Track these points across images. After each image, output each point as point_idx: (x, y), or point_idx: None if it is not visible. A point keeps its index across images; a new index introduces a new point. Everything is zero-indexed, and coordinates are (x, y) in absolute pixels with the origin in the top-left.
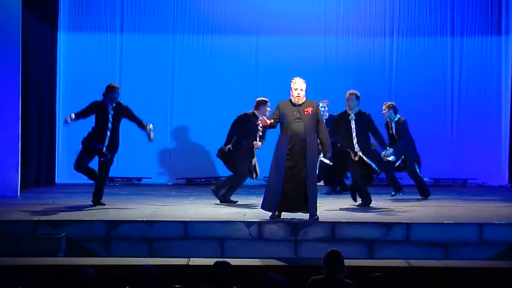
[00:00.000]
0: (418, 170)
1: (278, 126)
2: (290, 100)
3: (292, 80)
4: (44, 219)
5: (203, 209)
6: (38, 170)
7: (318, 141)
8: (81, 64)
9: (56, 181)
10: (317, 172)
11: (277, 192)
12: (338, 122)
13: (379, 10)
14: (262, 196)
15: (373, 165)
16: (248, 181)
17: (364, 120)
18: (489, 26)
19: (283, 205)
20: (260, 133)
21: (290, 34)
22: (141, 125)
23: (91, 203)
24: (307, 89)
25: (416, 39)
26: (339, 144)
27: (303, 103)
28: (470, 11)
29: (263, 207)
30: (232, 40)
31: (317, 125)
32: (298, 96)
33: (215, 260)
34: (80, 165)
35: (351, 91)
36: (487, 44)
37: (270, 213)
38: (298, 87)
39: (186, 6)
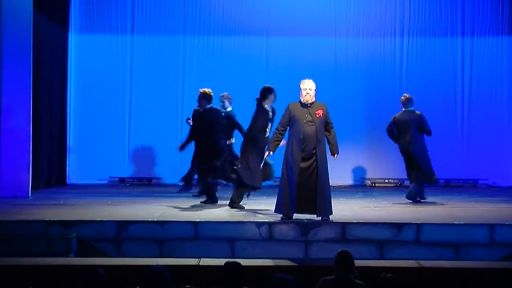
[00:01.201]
0: None
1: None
2: (300, 101)
3: (301, 81)
4: (55, 219)
5: (214, 209)
6: (49, 170)
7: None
8: (92, 65)
9: (67, 182)
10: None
11: (292, 196)
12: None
13: (389, 11)
14: (276, 199)
15: None
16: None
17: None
18: (500, 26)
19: (298, 208)
20: None
21: (300, 35)
22: None
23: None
24: (318, 90)
25: (426, 39)
26: None
27: (312, 103)
28: (480, 12)
29: (278, 210)
30: (242, 41)
31: (327, 127)
32: (307, 95)
33: (226, 260)
34: None
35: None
36: (498, 44)
37: (281, 214)
38: (307, 87)
39: (196, 8)
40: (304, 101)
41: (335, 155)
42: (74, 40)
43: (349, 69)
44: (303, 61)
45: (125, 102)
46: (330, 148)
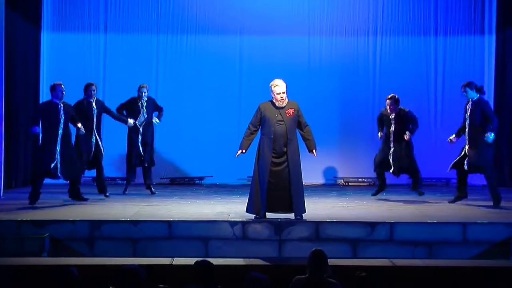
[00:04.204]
0: None
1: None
2: (272, 102)
3: (272, 83)
4: (28, 219)
5: (187, 208)
6: (23, 170)
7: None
8: (64, 64)
9: None
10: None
11: (263, 195)
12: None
13: (363, 10)
14: (247, 199)
15: None
16: (231, 180)
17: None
18: (473, 25)
19: (269, 207)
20: None
21: (274, 34)
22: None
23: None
24: (292, 89)
25: (399, 38)
26: None
27: (285, 105)
28: (453, 11)
29: (249, 210)
30: (215, 40)
31: (300, 125)
32: (281, 100)
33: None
34: None
35: None
36: (471, 43)
37: (252, 214)
38: (281, 91)
39: (169, 6)
40: (279, 105)
41: (314, 151)
42: (46, 38)
43: (323, 68)
44: (277, 60)
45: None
46: (307, 145)
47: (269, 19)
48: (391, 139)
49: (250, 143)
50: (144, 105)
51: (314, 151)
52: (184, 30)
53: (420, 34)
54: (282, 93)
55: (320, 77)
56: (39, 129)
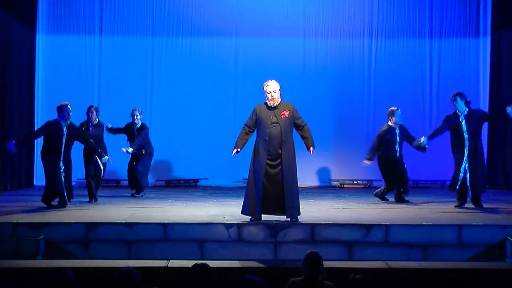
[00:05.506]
0: None
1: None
2: (266, 103)
3: (265, 83)
4: (23, 221)
5: (183, 211)
6: (17, 172)
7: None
8: (59, 66)
9: (34, 184)
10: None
11: (258, 196)
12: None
13: (358, 12)
14: (242, 200)
15: None
16: (227, 182)
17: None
18: (467, 28)
19: (264, 209)
20: None
21: (270, 36)
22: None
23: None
24: (287, 91)
25: (395, 41)
26: None
27: (279, 105)
28: (448, 13)
29: (244, 211)
30: (211, 42)
31: (298, 126)
32: (272, 99)
33: (195, 262)
34: None
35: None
36: (465, 46)
37: (247, 216)
38: (271, 90)
39: (165, 8)
40: (270, 104)
41: (311, 149)
42: (41, 41)
43: (318, 70)
44: (272, 62)
45: (93, 103)
46: (305, 143)
47: (264, 21)
48: (398, 154)
49: (245, 143)
50: (135, 132)
51: (311, 148)
52: (180, 32)
53: (415, 36)
54: (273, 91)
55: (315, 79)
56: (14, 148)
